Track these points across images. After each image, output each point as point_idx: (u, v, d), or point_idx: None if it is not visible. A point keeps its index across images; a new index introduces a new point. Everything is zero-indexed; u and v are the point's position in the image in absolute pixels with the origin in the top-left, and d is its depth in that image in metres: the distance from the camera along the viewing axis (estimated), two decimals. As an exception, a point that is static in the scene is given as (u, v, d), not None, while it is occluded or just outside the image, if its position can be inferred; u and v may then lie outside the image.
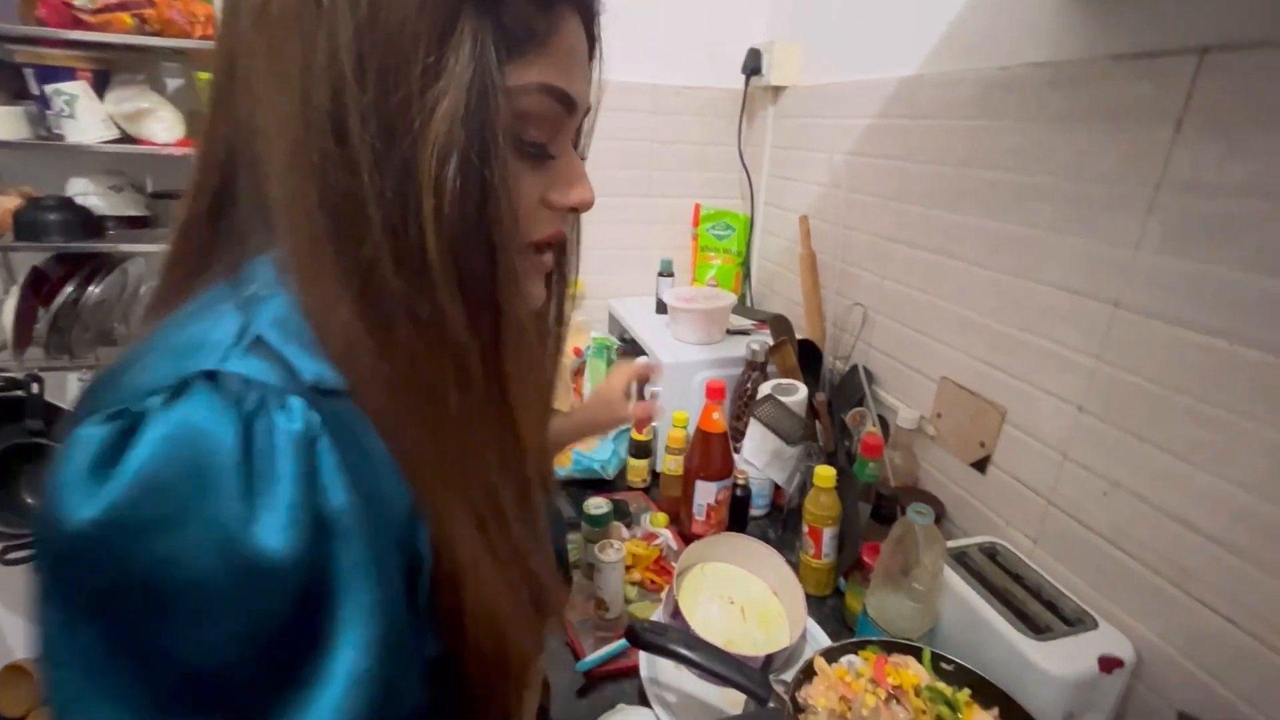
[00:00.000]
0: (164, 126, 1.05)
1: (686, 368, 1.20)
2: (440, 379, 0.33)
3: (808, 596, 0.92)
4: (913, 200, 1.01)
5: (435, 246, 0.30)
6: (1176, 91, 0.61)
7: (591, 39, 0.37)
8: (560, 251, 0.43)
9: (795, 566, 0.92)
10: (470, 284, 0.32)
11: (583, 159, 0.40)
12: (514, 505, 0.38)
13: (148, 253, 1.28)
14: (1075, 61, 0.72)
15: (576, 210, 0.39)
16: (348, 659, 0.28)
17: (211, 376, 0.27)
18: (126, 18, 0.97)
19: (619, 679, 0.81)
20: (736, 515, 1.07)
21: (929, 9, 0.95)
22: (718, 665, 0.63)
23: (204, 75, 1.06)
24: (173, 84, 1.21)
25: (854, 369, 1.13)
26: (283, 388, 0.28)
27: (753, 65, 1.38)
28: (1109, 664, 0.65)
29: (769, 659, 0.73)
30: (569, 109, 0.35)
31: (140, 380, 0.28)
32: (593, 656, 0.81)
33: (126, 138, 1.06)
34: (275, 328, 0.30)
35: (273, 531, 0.26)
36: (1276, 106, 0.54)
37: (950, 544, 0.82)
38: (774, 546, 0.91)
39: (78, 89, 1.01)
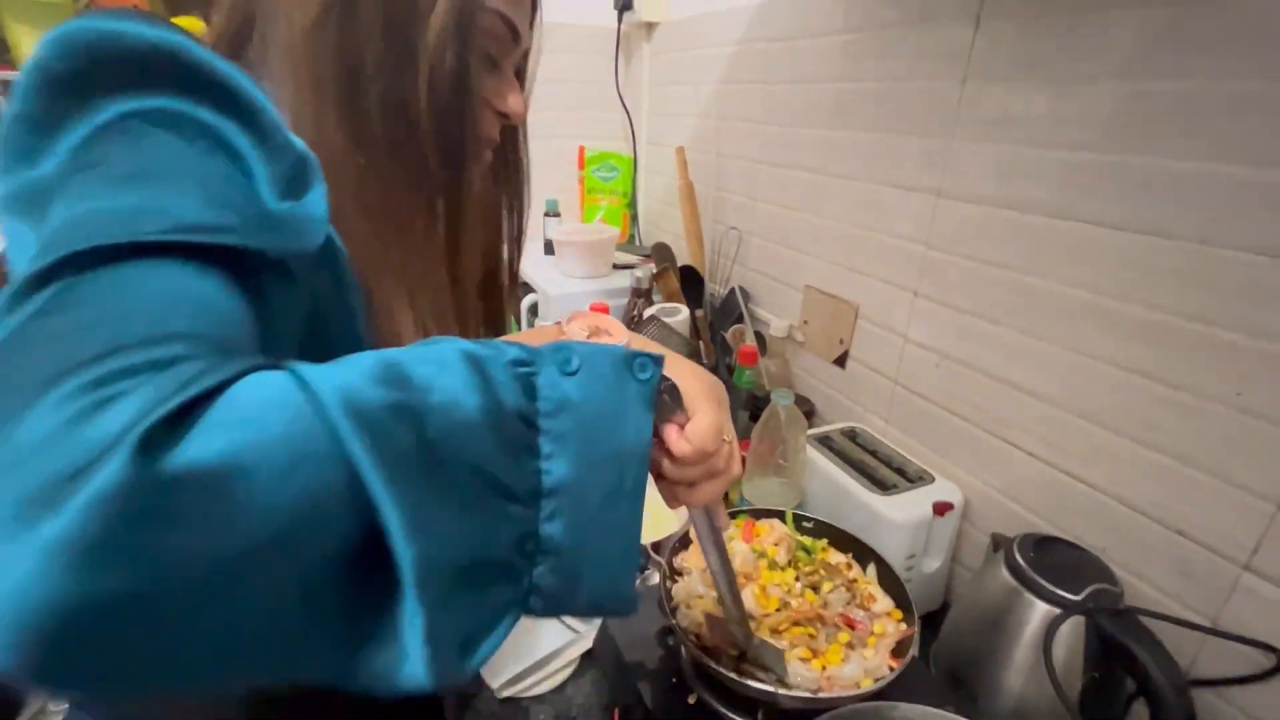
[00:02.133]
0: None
1: (574, 299, 1.21)
2: (411, 208, 0.43)
3: (696, 499, 0.98)
4: (774, 121, 1.07)
5: (426, 103, 0.40)
6: (974, -9, 0.69)
7: None
8: (511, 168, 0.55)
9: (683, 472, 0.96)
10: (447, 141, 0.42)
11: (526, 98, 0.51)
12: (454, 325, 0.48)
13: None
14: (898, -27, 0.79)
15: (509, 117, 0.48)
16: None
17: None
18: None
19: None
20: (629, 436, 1.11)
21: (778, -66, 0.99)
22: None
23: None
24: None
25: (732, 290, 1.18)
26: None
27: (624, 0, 1.38)
28: (941, 508, 0.74)
29: (656, 546, 0.77)
30: (515, 37, 0.46)
31: None
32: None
33: (-96, 60, 0.92)
34: None
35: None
36: (1048, 3, 0.62)
37: (815, 430, 0.89)
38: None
39: None
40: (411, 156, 0.42)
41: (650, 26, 1.42)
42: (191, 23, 1.13)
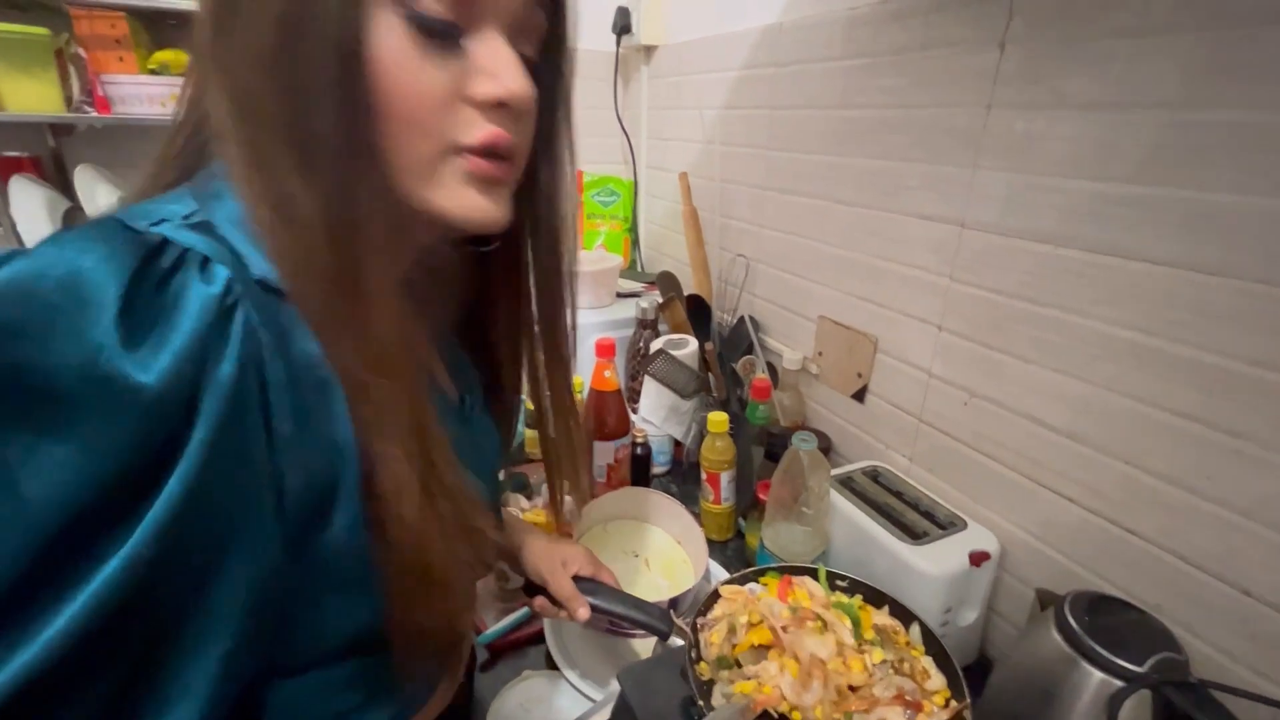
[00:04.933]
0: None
1: (579, 331, 1.17)
2: (379, 256, 0.33)
3: (711, 542, 0.94)
4: (781, 147, 1.03)
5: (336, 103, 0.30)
6: (998, 16, 0.66)
7: None
8: (538, 202, 0.43)
9: (697, 516, 0.92)
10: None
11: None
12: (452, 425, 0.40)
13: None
14: (913, -4, 0.76)
15: (505, 105, 0.34)
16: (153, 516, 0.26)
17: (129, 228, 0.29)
18: None
19: (524, 648, 0.78)
20: (638, 474, 1.06)
21: (782, -43, 0.97)
22: (617, 605, 0.62)
23: (-24, 26, 0.89)
24: (-61, 41, 1.01)
25: (741, 319, 1.15)
26: (212, 258, 0.29)
27: (622, 24, 1.36)
28: (978, 558, 0.70)
29: (674, 603, 0.73)
30: None
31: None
32: (495, 628, 0.77)
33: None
34: (229, 222, 0.32)
35: (144, 366, 0.26)
36: (1077, 25, 0.59)
37: (837, 471, 0.85)
38: (677, 500, 0.91)
39: None
40: (367, 192, 0.32)
41: (649, 50, 1.39)
42: (176, 56, 1.09)
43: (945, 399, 0.79)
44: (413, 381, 0.36)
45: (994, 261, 0.71)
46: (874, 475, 0.85)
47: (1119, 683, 0.52)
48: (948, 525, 0.74)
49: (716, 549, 0.94)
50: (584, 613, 0.60)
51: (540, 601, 0.64)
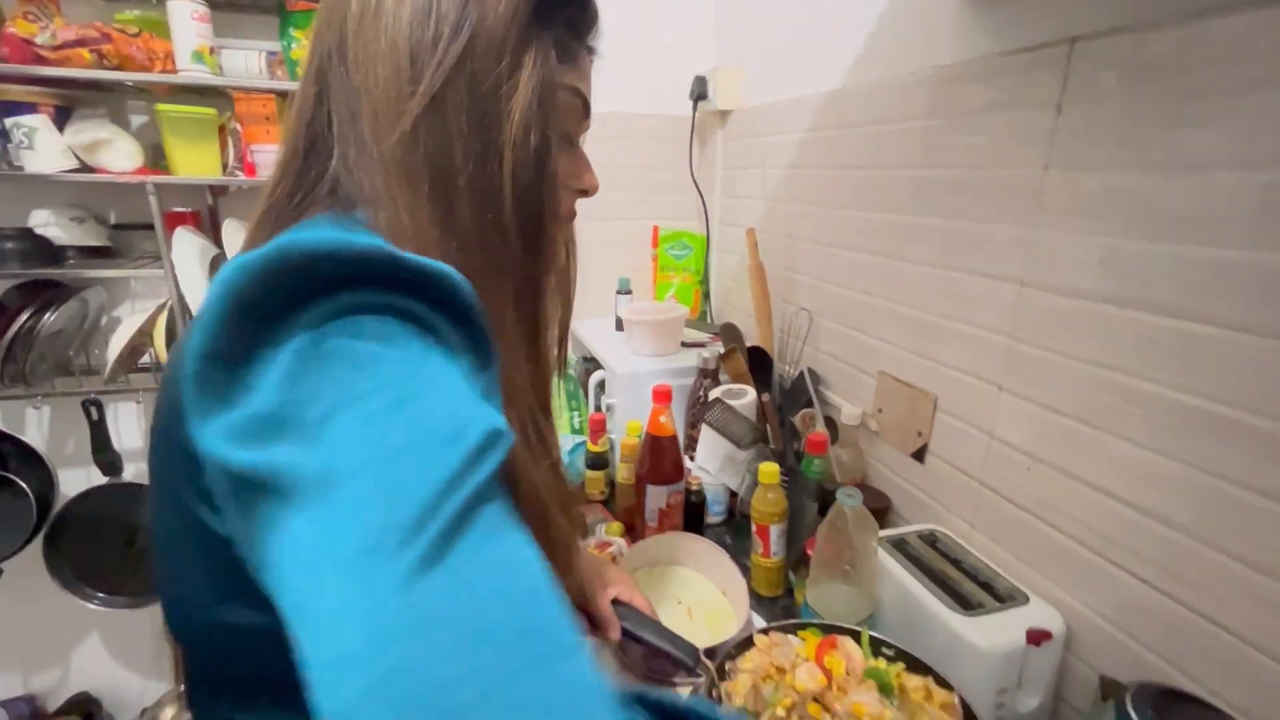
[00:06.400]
0: (122, 155, 1.08)
1: (641, 378, 1.21)
2: (500, 297, 0.42)
3: (760, 598, 0.92)
4: (845, 205, 1.05)
5: (510, 191, 0.41)
6: (1054, 79, 0.66)
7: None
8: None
9: (746, 569, 0.91)
10: (528, 223, 0.43)
11: None
12: (541, 413, 0.48)
13: (108, 280, 1.30)
14: (971, 60, 0.77)
15: (587, 193, 0.51)
16: None
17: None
18: (85, 54, 1.02)
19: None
20: (691, 522, 1.06)
21: (848, 27, 1.01)
22: (647, 632, 0.63)
23: (164, 107, 1.10)
24: (137, 120, 1.25)
25: (802, 373, 1.14)
26: None
27: (699, 91, 1.44)
28: (1037, 636, 0.65)
29: (710, 651, 0.72)
30: (586, 112, 0.49)
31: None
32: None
33: (84, 168, 1.09)
34: None
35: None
36: (1134, 85, 0.58)
37: (890, 532, 0.82)
38: (730, 552, 0.91)
39: (37, 121, 1.05)
40: (496, 243, 0.42)
41: (724, 114, 1.46)
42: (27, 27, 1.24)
43: (1007, 463, 0.75)
44: (521, 384, 0.45)
45: (1057, 322, 0.68)
46: (931, 540, 0.81)
47: (1190, 793, 0.46)
48: (1007, 599, 0.70)
49: (766, 605, 0.92)
50: (615, 634, 0.62)
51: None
